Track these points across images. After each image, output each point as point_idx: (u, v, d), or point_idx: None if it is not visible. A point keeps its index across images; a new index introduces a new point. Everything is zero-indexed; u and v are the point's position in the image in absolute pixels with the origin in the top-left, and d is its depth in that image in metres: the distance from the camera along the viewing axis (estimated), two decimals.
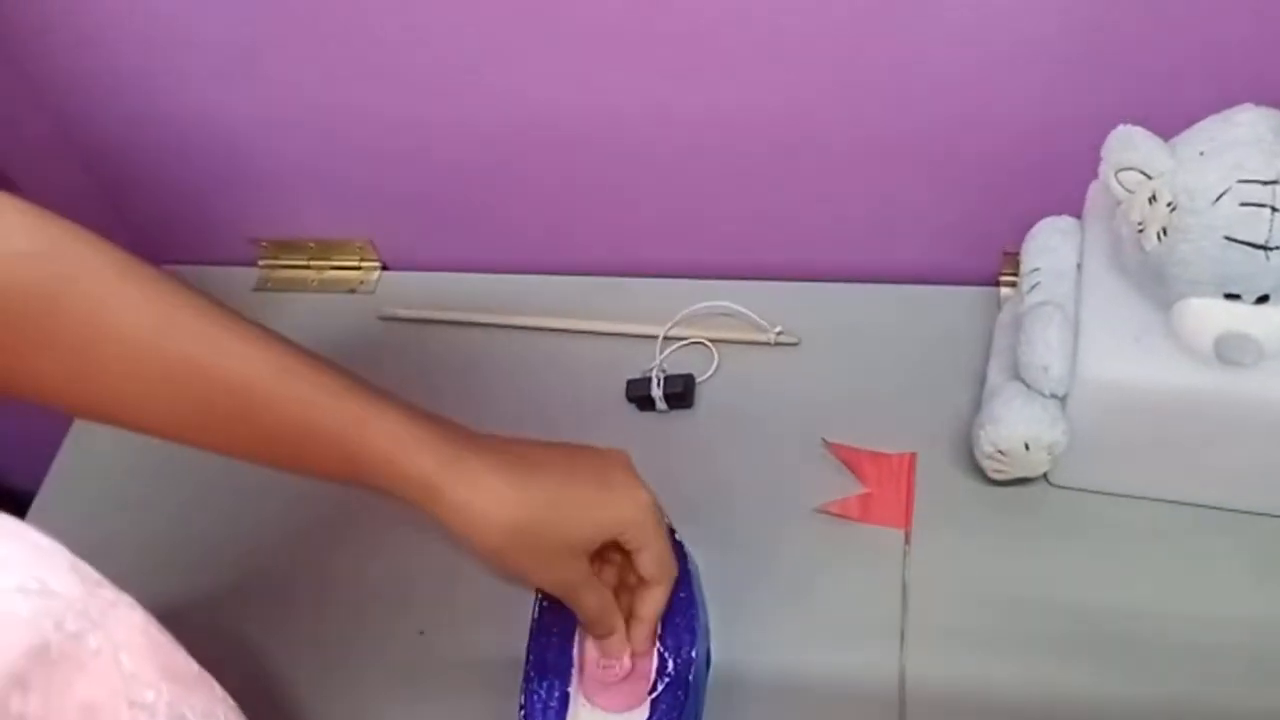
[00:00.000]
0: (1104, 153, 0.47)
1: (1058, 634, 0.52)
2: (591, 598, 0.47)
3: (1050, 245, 0.54)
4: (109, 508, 0.65)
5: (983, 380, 0.58)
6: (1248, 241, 0.43)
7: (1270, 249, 0.43)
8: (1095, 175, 0.49)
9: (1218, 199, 0.44)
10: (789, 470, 0.59)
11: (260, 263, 0.76)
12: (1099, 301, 0.50)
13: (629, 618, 0.48)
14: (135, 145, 0.69)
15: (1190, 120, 0.47)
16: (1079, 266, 0.53)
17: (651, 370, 0.63)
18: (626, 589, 0.49)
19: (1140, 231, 0.47)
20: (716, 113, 0.60)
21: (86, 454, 0.67)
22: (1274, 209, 0.43)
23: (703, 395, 0.64)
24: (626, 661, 0.49)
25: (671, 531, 0.49)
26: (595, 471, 0.46)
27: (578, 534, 0.45)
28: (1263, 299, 0.45)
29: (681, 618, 0.50)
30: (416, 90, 0.62)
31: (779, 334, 0.64)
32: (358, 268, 0.74)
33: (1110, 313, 0.50)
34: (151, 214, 0.75)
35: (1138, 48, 0.52)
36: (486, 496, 0.42)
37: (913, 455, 0.58)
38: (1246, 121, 0.45)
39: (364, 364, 0.45)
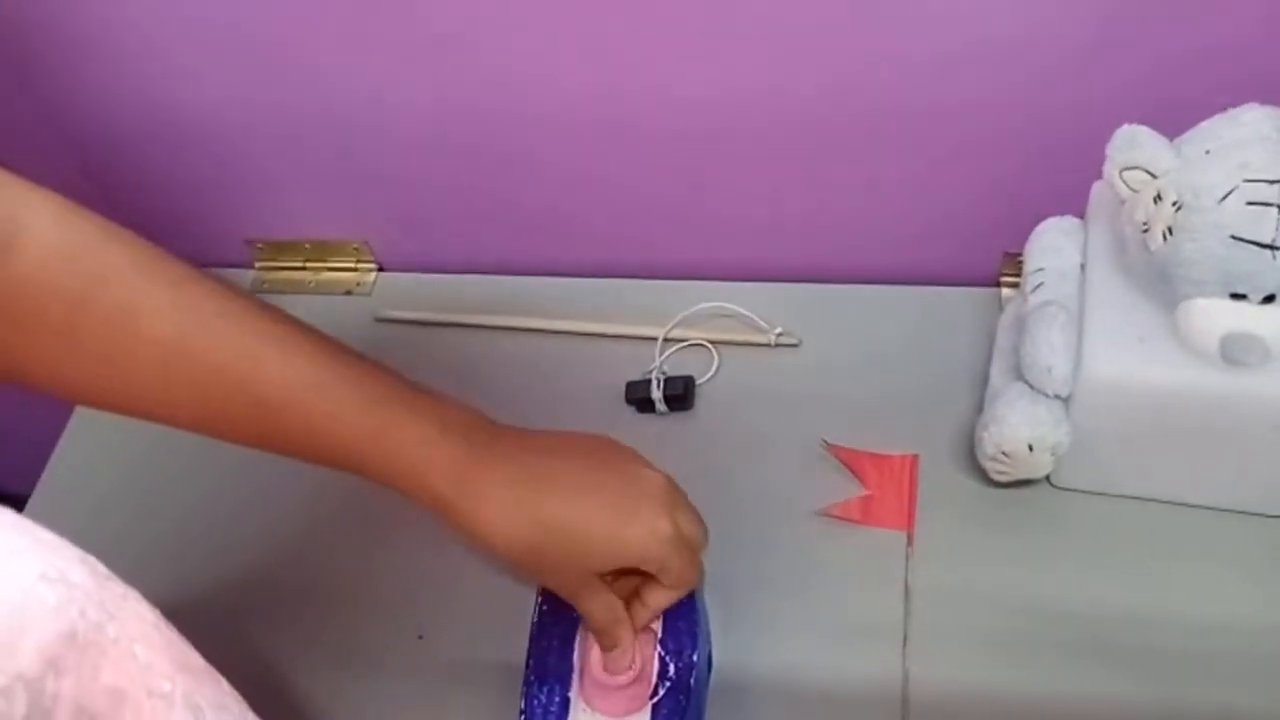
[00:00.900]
0: (1109, 151, 0.47)
1: (1061, 636, 0.51)
2: (600, 609, 0.46)
3: (1054, 245, 0.54)
4: (106, 508, 0.64)
5: (985, 381, 0.58)
6: (1254, 241, 0.43)
7: (1277, 248, 0.43)
8: (1099, 175, 0.48)
9: (1224, 198, 0.43)
10: (790, 472, 0.59)
11: (256, 264, 0.75)
12: (1103, 302, 0.50)
13: (633, 599, 0.48)
14: (130, 146, 0.69)
15: (1195, 120, 0.46)
16: (1083, 266, 0.52)
17: (651, 372, 0.63)
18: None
19: (1145, 231, 0.47)
20: (714, 115, 0.59)
21: (83, 454, 0.67)
22: None
23: (703, 397, 0.63)
24: (631, 672, 0.48)
25: None
26: (618, 497, 0.44)
27: (588, 562, 0.45)
28: (1269, 299, 0.44)
29: (683, 621, 0.49)
30: (413, 90, 0.61)
31: (779, 335, 0.64)
32: (354, 269, 0.73)
33: (1114, 313, 0.49)
34: (147, 215, 0.73)
35: (1142, 47, 0.52)
36: (498, 520, 0.42)
37: (914, 457, 0.58)
38: (1252, 120, 0.44)
39: None
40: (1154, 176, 0.46)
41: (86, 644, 0.25)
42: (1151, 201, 0.46)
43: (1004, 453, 0.52)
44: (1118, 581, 0.52)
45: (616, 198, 0.66)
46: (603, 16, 0.55)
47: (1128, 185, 0.47)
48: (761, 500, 0.58)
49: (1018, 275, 0.62)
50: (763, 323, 0.64)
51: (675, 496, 0.46)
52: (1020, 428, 0.50)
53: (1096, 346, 0.49)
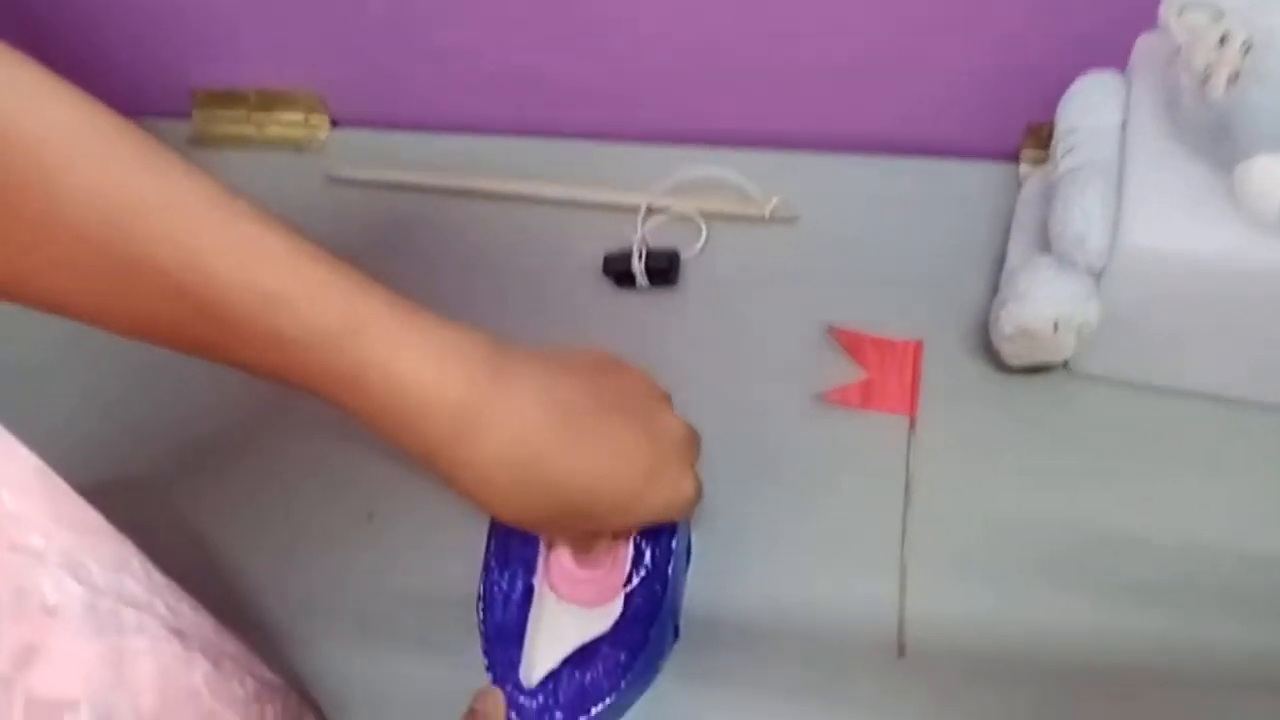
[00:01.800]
0: None
1: (1071, 538, 0.47)
2: (596, 543, 0.43)
3: (1091, 103, 0.48)
4: (21, 385, 0.58)
5: (999, 263, 0.53)
6: None
7: None
8: (1134, 30, 0.43)
9: None
10: (784, 356, 0.54)
11: (196, 115, 0.68)
12: (1147, 163, 0.44)
13: None
14: None
15: None
16: (1123, 126, 0.47)
17: (632, 243, 0.57)
18: None
19: (1205, 81, 0.41)
20: None
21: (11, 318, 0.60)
22: None
23: (689, 273, 0.58)
24: (604, 565, 0.44)
25: None
26: (643, 458, 0.38)
27: (603, 526, 0.40)
28: None
29: None
30: None
31: (775, 207, 0.58)
32: (304, 124, 0.66)
33: (1159, 176, 0.44)
34: (79, 59, 0.66)
35: None
36: (508, 488, 0.36)
37: (919, 343, 0.53)
38: None
39: (310, 232, 0.37)
40: (1218, 17, 0.40)
41: None
42: (1216, 44, 0.40)
43: (1024, 332, 0.46)
44: (1138, 482, 0.48)
45: (597, 46, 0.59)
46: None
47: (1186, 28, 0.42)
48: (752, 385, 0.53)
49: (1040, 149, 0.57)
50: (758, 193, 0.58)
51: (695, 446, 0.41)
52: (1045, 304, 0.45)
53: (1138, 211, 0.44)
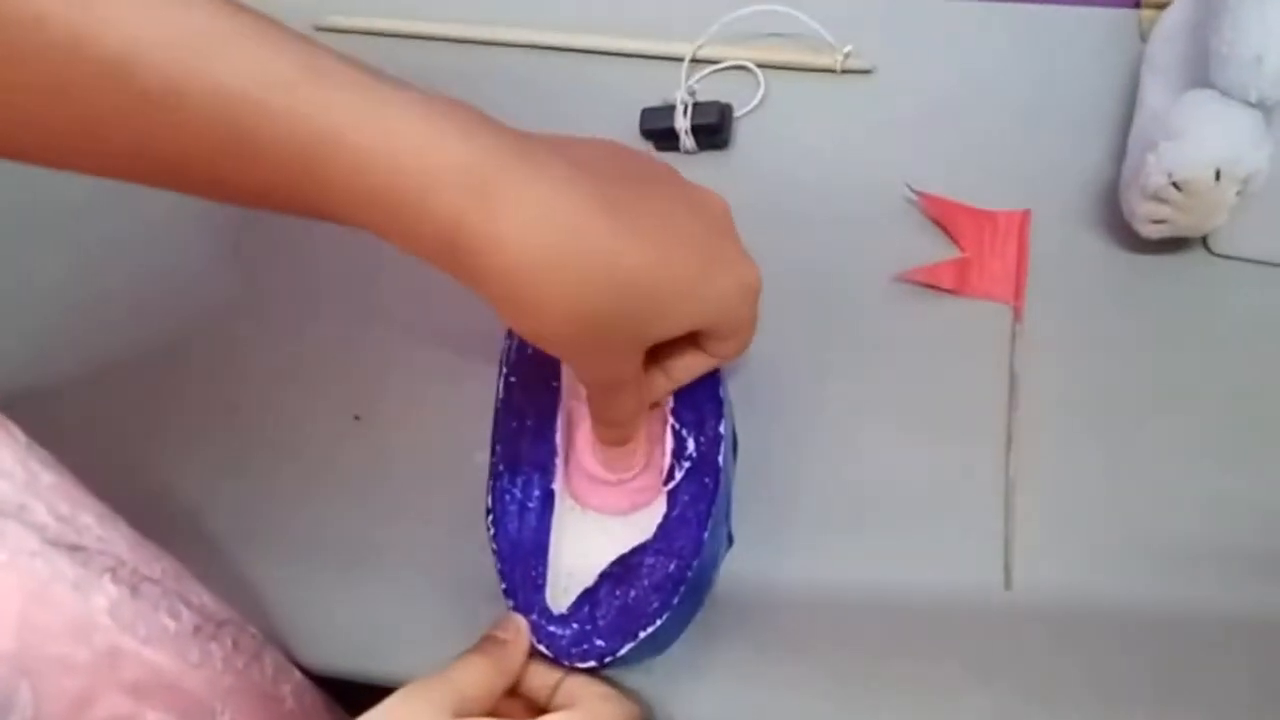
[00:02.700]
0: None
1: (1206, 439, 0.38)
2: (630, 401, 0.34)
3: None
4: None
5: (1119, 121, 0.43)
6: None
7: None
8: None
9: None
10: (857, 229, 0.45)
11: None
12: None
13: (650, 367, 0.34)
14: None
15: None
16: None
17: (676, 97, 0.48)
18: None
19: None
20: None
21: None
22: None
23: (742, 132, 0.49)
24: (637, 468, 0.36)
25: None
26: (700, 238, 0.32)
27: (653, 332, 0.31)
28: None
29: (700, 385, 0.36)
30: None
31: (848, 57, 0.48)
32: None
33: None
34: None
35: None
36: (535, 294, 0.28)
37: (1026, 212, 0.44)
38: None
39: None
40: None
41: None
42: None
43: (1177, 184, 0.37)
44: None
45: None
46: None
47: None
48: (818, 262, 0.44)
49: None
50: (829, 38, 0.48)
51: (734, 226, 0.34)
52: (1208, 144, 0.36)
53: None
